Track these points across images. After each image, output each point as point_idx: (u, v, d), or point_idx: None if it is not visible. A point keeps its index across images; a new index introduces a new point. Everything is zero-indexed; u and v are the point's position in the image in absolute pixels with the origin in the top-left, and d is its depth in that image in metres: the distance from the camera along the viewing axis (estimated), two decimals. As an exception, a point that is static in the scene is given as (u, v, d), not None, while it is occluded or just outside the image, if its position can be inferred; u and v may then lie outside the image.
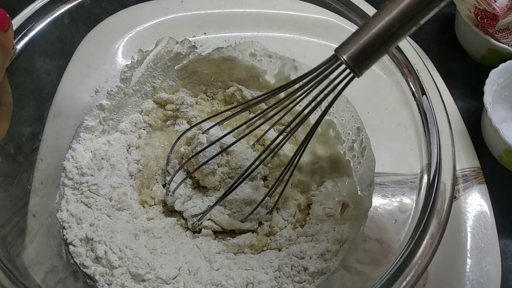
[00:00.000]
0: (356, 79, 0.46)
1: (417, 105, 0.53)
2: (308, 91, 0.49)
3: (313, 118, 0.52)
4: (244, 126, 0.55)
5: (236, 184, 0.54)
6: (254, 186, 0.58)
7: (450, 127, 0.51)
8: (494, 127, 0.64)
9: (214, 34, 0.64)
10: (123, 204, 0.57)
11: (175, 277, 0.51)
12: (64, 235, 0.54)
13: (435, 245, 0.44)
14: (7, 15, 0.40)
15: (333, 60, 0.46)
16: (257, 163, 0.54)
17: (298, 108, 0.51)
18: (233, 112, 0.55)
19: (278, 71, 0.66)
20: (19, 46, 0.51)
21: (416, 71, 0.54)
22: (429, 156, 0.50)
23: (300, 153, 0.53)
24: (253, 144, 0.61)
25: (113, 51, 0.62)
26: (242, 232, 0.58)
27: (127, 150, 0.62)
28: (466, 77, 0.76)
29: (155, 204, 0.59)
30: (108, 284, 0.50)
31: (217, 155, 0.55)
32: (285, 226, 0.58)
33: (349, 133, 0.62)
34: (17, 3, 0.57)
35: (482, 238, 0.61)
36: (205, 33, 0.64)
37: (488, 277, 0.58)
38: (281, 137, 0.53)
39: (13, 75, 0.48)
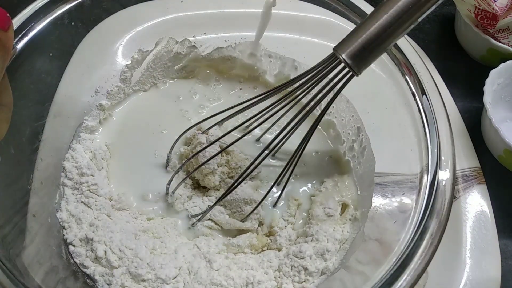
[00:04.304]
0: (356, 79, 0.46)
1: (417, 105, 0.53)
2: (307, 90, 0.49)
3: (312, 118, 0.52)
4: (244, 125, 0.55)
5: (236, 184, 0.54)
6: (254, 186, 0.58)
7: (450, 127, 0.51)
8: (494, 127, 0.64)
9: (214, 34, 0.64)
10: (123, 204, 0.57)
11: (175, 277, 0.51)
12: (64, 235, 0.54)
13: (435, 245, 0.44)
14: (8, 14, 0.40)
15: (332, 58, 0.46)
16: (257, 162, 0.54)
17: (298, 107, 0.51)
18: (233, 112, 0.55)
19: (278, 71, 0.66)
20: (19, 46, 0.51)
21: (416, 71, 0.54)
22: (429, 156, 0.50)
23: (300, 153, 0.53)
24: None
25: (113, 51, 0.62)
26: (242, 232, 0.58)
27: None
28: (466, 77, 0.76)
29: (155, 204, 0.59)
30: (108, 284, 0.50)
31: (216, 155, 0.55)
32: (285, 226, 0.58)
33: (349, 133, 0.62)
34: (17, 3, 0.57)
35: (482, 238, 0.61)
36: (205, 33, 0.64)
37: (488, 277, 0.58)
38: (280, 136, 0.53)
39: (13, 75, 0.48)
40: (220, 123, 0.57)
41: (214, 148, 0.57)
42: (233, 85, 0.67)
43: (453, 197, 0.47)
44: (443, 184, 0.48)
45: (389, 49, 0.52)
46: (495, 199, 0.64)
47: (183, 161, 0.58)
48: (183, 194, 0.58)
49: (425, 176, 0.49)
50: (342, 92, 0.48)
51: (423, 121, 0.52)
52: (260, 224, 0.58)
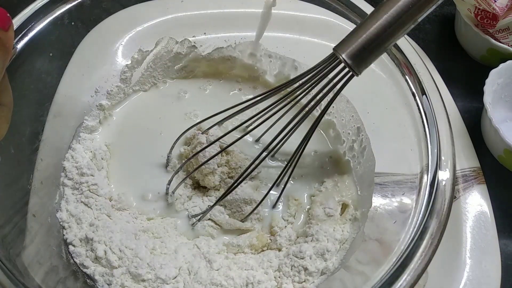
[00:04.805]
0: (355, 79, 0.46)
1: (417, 105, 0.53)
2: (307, 90, 0.49)
3: (312, 118, 0.52)
4: (244, 126, 0.55)
5: (236, 184, 0.54)
6: (254, 186, 0.58)
7: (450, 127, 0.51)
8: (494, 127, 0.64)
9: (214, 34, 0.64)
10: (123, 204, 0.57)
11: (175, 277, 0.51)
12: (64, 235, 0.54)
13: (435, 245, 0.44)
14: (8, 14, 0.40)
15: (332, 59, 0.46)
16: (257, 162, 0.54)
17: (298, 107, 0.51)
18: (233, 112, 0.55)
19: (278, 71, 0.66)
20: (19, 46, 0.51)
21: (416, 71, 0.54)
22: (429, 156, 0.50)
23: (300, 153, 0.53)
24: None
25: (113, 51, 0.62)
26: (242, 232, 0.58)
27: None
28: (466, 77, 0.76)
29: (155, 204, 0.59)
30: (108, 284, 0.50)
31: (216, 155, 0.55)
32: (285, 226, 0.58)
33: (349, 133, 0.62)
34: (17, 3, 0.57)
35: (482, 238, 0.61)
36: (205, 33, 0.64)
37: (488, 277, 0.58)
38: (280, 136, 0.53)
39: (13, 75, 0.48)
40: (220, 123, 0.57)
41: (214, 148, 0.57)
42: (233, 85, 0.67)
43: (453, 197, 0.47)
44: (443, 184, 0.48)
45: (389, 49, 0.52)
46: (495, 199, 0.64)
47: (183, 161, 0.58)
48: (183, 194, 0.58)
49: (425, 176, 0.49)
50: (342, 92, 0.48)
51: (423, 121, 0.52)
52: (260, 224, 0.58)
